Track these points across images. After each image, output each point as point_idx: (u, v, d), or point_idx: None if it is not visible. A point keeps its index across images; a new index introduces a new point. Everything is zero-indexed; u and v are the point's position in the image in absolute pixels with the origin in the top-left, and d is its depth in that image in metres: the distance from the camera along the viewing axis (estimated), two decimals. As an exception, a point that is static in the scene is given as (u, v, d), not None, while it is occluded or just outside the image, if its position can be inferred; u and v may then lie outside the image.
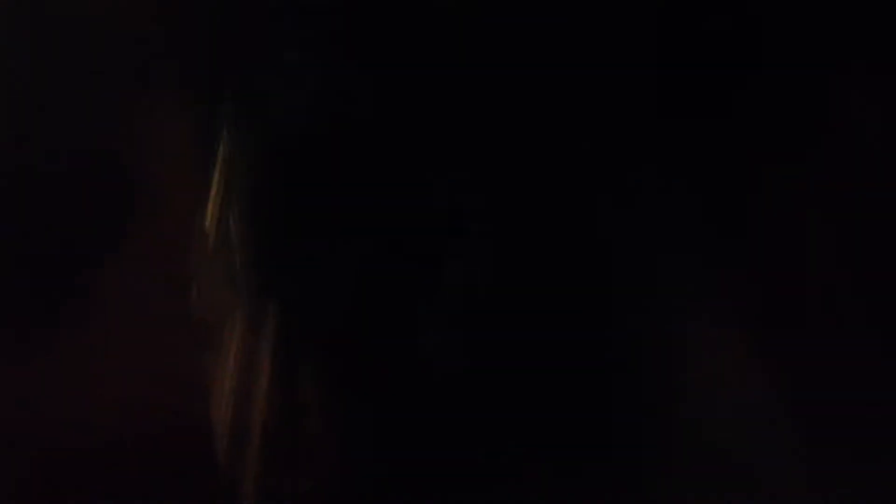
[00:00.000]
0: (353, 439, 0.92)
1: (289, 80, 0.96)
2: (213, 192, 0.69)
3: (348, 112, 0.98)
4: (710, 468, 0.78)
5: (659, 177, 0.95)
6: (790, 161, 0.79)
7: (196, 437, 0.62)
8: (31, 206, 0.64)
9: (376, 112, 1.01)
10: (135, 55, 0.62)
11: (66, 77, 0.63)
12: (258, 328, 0.81)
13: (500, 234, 1.35)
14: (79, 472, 0.59)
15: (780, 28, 0.81)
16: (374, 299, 1.19)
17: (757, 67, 0.85)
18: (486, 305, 1.59)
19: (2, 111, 0.65)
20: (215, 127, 0.72)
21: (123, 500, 0.60)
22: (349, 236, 1.13)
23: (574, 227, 1.20)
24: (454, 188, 1.42)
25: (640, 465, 0.92)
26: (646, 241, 1.00)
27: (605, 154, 1.05)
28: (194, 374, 0.63)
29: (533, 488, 1.02)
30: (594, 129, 1.03)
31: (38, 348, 0.61)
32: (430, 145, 1.23)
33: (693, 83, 0.91)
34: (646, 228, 0.99)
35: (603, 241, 1.10)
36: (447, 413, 1.17)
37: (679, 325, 0.94)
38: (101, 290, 0.59)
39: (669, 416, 0.89)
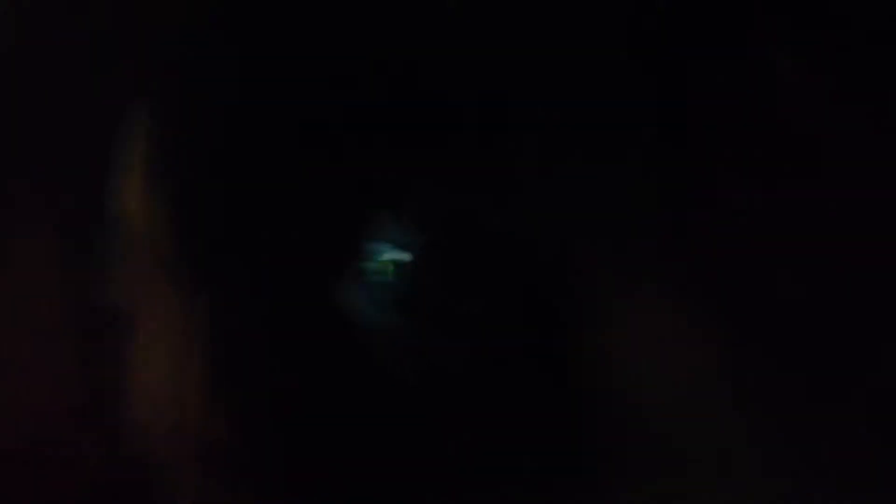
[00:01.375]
0: (280, 440, 0.86)
1: (215, 69, 0.89)
2: (134, 176, 0.64)
3: (277, 98, 0.91)
4: (675, 471, 0.76)
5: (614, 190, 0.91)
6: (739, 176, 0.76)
7: (111, 441, 0.57)
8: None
9: (306, 101, 0.93)
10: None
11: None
12: (184, 322, 0.75)
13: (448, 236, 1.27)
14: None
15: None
16: (309, 292, 1.11)
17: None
18: (427, 308, 1.51)
19: None
20: (141, 109, 0.67)
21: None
22: (284, 226, 1.05)
23: (529, 237, 1.13)
24: (397, 185, 1.34)
25: (601, 474, 0.88)
26: (603, 251, 0.95)
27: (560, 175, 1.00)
28: (109, 372, 0.57)
29: (476, 497, 0.97)
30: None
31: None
32: (372, 137, 1.16)
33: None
34: (603, 239, 0.94)
35: (560, 251, 1.04)
36: (385, 416, 1.11)
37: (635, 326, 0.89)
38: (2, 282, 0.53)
39: (633, 422, 0.85)
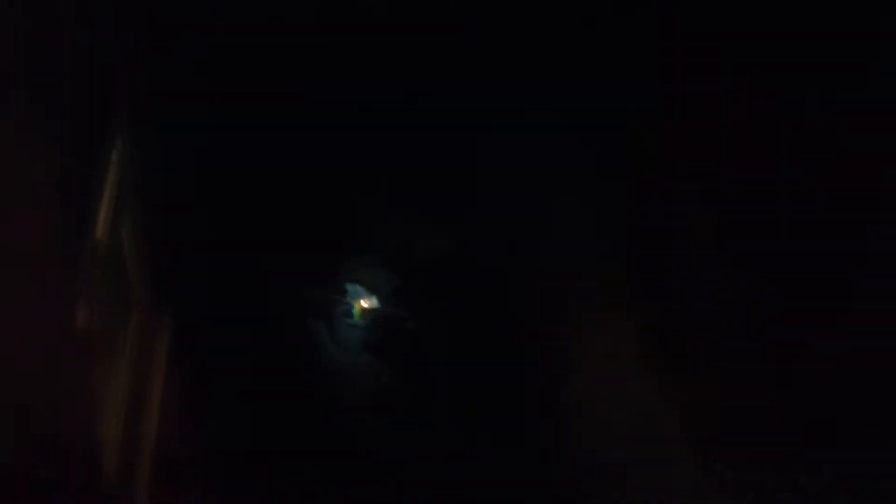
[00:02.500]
0: (247, 450, 0.88)
1: (188, 92, 0.92)
2: (105, 201, 0.64)
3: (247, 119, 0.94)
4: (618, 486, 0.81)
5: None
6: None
7: (85, 452, 0.57)
8: None
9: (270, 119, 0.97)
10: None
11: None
12: (152, 338, 0.76)
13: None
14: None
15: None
16: (275, 310, 1.15)
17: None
18: (396, 348, 1.58)
19: None
20: (108, 136, 0.68)
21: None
22: (250, 248, 1.09)
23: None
24: (370, 230, 1.41)
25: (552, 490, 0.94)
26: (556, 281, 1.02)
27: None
28: (80, 385, 0.58)
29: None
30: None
31: None
32: (345, 179, 1.21)
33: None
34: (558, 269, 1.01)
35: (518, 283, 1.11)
36: (349, 427, 1.15)
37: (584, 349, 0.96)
38: None
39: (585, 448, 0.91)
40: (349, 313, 2.03)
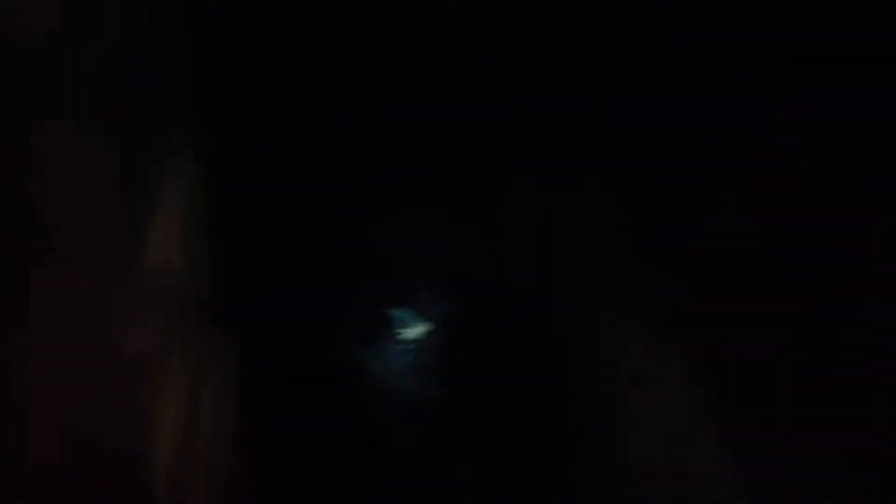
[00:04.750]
0: (296, 473, 0.91)
1: (244, 110, 0.96)
2: (156, 219, 0.68)
3: (301, 141, 0.98)
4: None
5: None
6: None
7: (136, 472, 0.60)
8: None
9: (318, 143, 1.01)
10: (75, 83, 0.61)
11: None
12: (202, 361, 0.79)
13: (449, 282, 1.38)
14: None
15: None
16: (324, 334, 1.18)
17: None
18: (434, 353, 1.61)
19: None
20: (162, 153, 0.71)
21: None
22: (299, 272, 1.12)
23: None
24: (422, 256, 1.44)
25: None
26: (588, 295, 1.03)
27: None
28: (133, 407, 0.61)
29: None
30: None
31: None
32: (402, 207, 1.24)
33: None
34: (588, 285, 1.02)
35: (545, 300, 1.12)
36: (390, 456, 1.17)
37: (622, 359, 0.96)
38: (33, 319, 0.57)
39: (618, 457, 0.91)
40: (398, 338, 2.02)
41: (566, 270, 1.09)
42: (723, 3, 0.79)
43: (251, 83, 0.89)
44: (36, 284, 0.60)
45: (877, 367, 0.64)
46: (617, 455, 0.92)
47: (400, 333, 1.86)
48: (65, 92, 0.58)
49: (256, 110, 0.91)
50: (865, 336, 0.65)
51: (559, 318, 1.13)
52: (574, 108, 0.98)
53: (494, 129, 1.01)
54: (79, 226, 0.60)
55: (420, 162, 1.09)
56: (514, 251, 1.23)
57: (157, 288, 0.67)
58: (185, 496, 0.69)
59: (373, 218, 1.15)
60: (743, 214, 0.82)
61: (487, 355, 1.33)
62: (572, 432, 1.07)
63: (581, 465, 1.03)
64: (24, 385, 0.61)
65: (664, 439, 0.86)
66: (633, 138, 0.92)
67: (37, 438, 0.59)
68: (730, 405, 0.80)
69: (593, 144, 0.98)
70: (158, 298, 0.68)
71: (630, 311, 0.97)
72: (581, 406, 1.04)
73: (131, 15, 0.66)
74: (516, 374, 1.20)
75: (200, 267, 0.82)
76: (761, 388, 0.78)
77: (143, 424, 0.63)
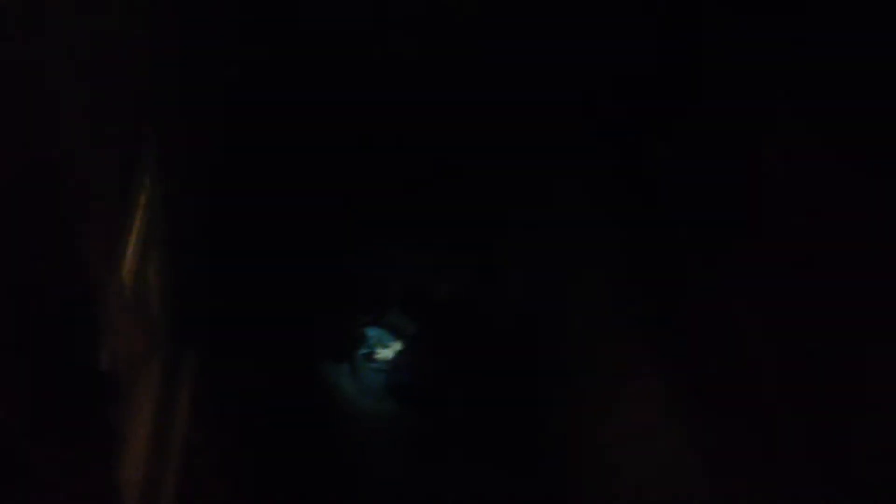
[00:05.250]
0: (268, 492, 0.89)
1: (213, 138, 0.93)
2: (131, 241, 0.65)
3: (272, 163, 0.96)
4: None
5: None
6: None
7: (106, 494, 0.58)
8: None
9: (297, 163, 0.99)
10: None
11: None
12: (174, 377, 0.77)
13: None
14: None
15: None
16: (291, 351, 1.16)
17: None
18: (407, 372, 1.59)
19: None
20: (134, 177, 0.69)
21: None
22: (271, 292, 1.10)
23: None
24: (395, 275, 1.43)
25: None
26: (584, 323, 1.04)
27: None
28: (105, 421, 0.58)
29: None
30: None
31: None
32: (374, 225, 1.23)
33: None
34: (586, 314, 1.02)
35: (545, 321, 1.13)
36: (364, 467, 1.15)
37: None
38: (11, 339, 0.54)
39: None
40: (371, 357, 2.02)
41: (554, 291, 1.08)
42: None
43: (235, 99, 0.87)
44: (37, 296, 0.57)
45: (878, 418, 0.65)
46: (601, 479, 0.93)
47: (373, 352, 1.83)
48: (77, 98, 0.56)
49: (236, 128, 0.88)
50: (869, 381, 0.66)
51: (544, 337, 1.12)
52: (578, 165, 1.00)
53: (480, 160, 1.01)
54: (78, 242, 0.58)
55: (400, 182, 1.08)
56: (497, 271, 1.23)
57: (127, 307, 0.65)
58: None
59: (347, 238, 1.14)
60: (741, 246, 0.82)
61: (462, 373, 1.32)
62: (552, 453, 1.07)
63: (562, 482, 1.03)
64: None
65: (651, 477, 0.86)
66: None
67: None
68: (712, 435, 0.80)
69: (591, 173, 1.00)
70: (128, 317, 0.65)
71: (620, 336, 0.97)
72: (561, 423, 1.04)
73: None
74: (493, 392, 1.19)
75: (173, 285, 0.79)
76: (744, 420, 0.78)
77: (113, 445, 0.60)
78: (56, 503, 0.57)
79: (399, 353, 2.01)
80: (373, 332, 2.17)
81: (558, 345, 1.22)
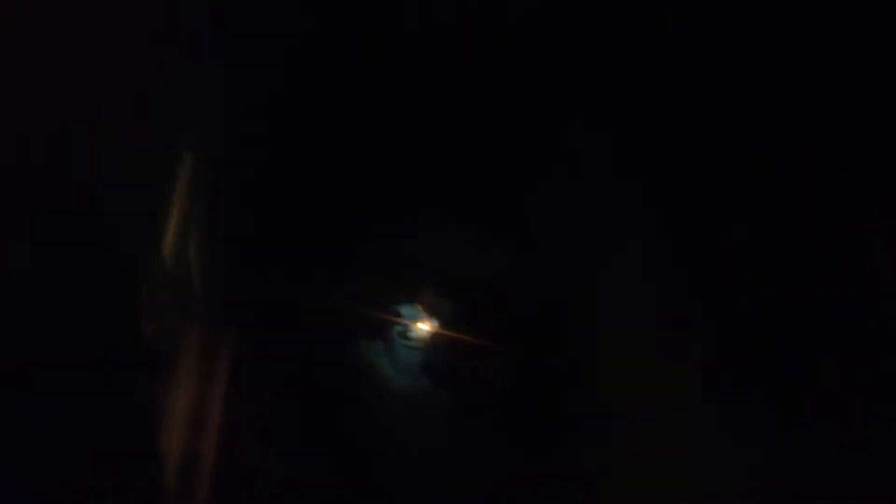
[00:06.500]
0: (304, 468, 0.92)
1: (249, 112, 0.98)
2: (171, 218, 0.69)
3: (305, 146, 1.00)
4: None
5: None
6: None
7: (146, 463, 0.61)
8: None
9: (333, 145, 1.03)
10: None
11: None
12: (213, 354, 0.80)
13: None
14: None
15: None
16: (330, 330, 1.19)
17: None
18: (443, 352, 1.61)
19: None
20: (172, 154, 0.72)
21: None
22: (307, 268, 1.13)
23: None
24: (430, 252, 1.45)
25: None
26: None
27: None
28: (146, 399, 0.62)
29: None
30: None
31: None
32: (410, 203, 1.25)
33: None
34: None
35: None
36: (399, 446, 1.17)
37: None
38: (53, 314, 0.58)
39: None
40: (406, 335, 2.01)
41: (586, 273, 1.09)
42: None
43: (266, 90, 0.91)
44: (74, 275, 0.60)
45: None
46: (636, 478, 0.94)
47: (408, 331, 1.83)
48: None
49: (269, 114, 0.92)
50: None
51: (576, 321, 1.13)
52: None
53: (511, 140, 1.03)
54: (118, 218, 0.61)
55: (433, 163, 1.10)
56: (531, 252, 1.24)
57: (167, 280, 0.68)
58: (192, 487, 0.70)
59: (383, 216, 1.16)
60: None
61: (496, 354, 1.32)
62: (584, 437, 1.07)
63: (591, 469, 1.03)
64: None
65: (684, 463, 0.87)
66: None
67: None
68: (756, 429, 0.80)
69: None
70: (168, 291, 0.69)
71: (651, 320, 0.98)
72: (592, 407, 1.05)
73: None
74: (527, 374, 1.20)
75: (213, 264, 0.83)
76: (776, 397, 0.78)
77: (157, 419, 0.64)
78: (97, 475, 0.61)
79: (435, 332, 2.00)
80: (407, 310, 2.14)
81: (592, 326, 1.22)
